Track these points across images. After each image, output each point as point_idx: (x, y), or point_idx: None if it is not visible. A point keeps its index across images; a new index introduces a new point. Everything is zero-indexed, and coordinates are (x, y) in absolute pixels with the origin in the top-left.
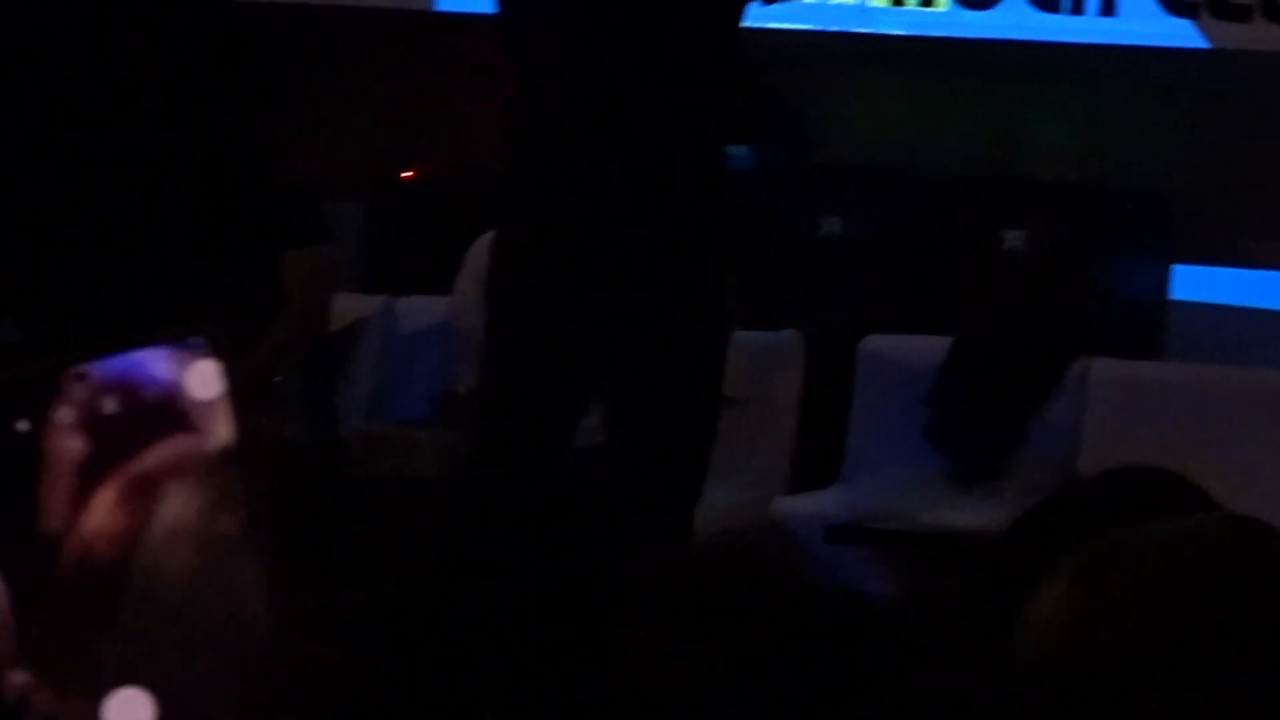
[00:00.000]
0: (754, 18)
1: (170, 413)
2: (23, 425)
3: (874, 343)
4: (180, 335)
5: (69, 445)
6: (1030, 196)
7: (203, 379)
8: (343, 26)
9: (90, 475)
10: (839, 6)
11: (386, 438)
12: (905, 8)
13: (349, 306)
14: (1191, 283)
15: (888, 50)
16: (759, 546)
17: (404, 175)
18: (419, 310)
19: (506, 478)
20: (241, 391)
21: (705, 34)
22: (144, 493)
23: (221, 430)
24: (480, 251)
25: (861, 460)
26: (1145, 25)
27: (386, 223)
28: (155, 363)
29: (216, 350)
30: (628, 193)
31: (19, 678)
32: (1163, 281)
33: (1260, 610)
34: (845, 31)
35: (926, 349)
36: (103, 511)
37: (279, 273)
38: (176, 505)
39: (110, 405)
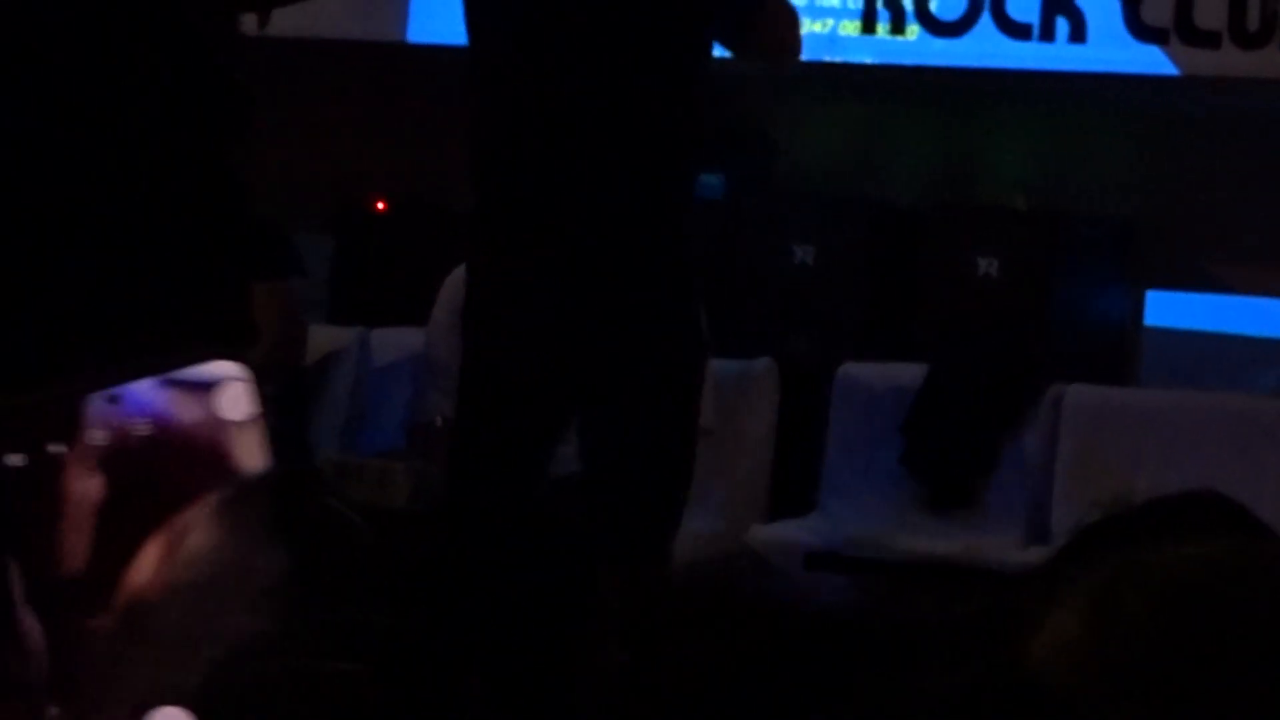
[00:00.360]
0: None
1: (201, 437)
2: (56, 448)
3: (848, 370)
4: (208, 356)
5: (94, 477)
6: (1001, 223)
7: (235, 402)
8: (314, 57)
9: (122, 506)
10: (809, 35)
11: (360, 468)
12: (875, 36)
13: (322, 338)
14: (1163, 308)
15: (858, 78)
16: (737, 574)
17: (375, 206)
18: (392, 342)
19: (480, 508)
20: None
21: (670, 60)
22: (178, 523)
23: (252, 453)
24: (455, 283)
25: (838, 487)
26: (1115, 52)
27: (358, 254)
28: (185, 387)
29: (245, 374)
30: (596, 218)
31: (52, 711)
32: (1134, 307)
33: (1273, 634)
34: (816, 60)
35: (900, 376)
36: (139, 543)
37: (250, 305)
38: (207, 530)
39: (140, 431)
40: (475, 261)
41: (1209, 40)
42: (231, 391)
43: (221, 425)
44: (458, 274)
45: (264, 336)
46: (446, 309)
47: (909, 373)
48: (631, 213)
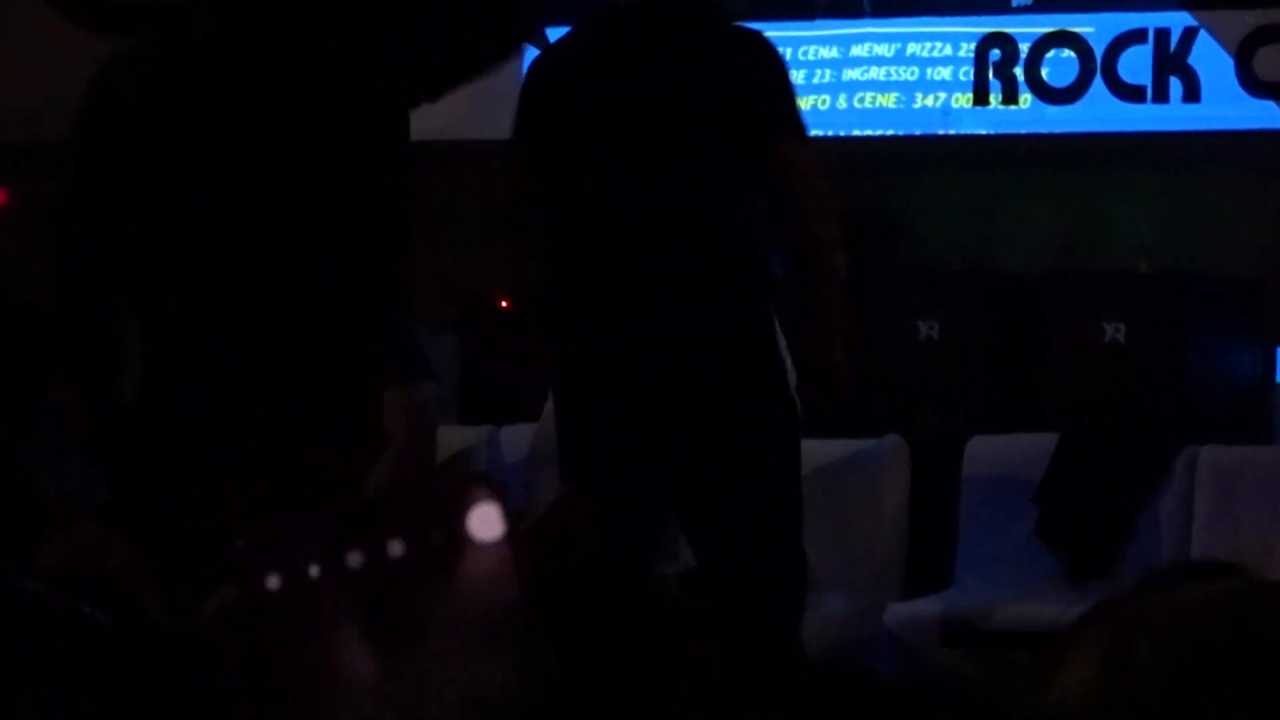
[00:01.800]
0: (842, 125)
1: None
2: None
3: (978, 443)
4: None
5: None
6: (1125, 288)
7: (485, 522)
8: (436, 157)
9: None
10: (923, 110)
11: None
12: (989, 107)
13: (453, 438)
14: None
15: (974, 149)
16: (872, 655)
17: (500, 304)
18: (523, 439)
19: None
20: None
21: (729, 159)
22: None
23: (503, 575)
24: None
25: (973, 562)
26: (1229, 109)
27: (485, 352)
28: (432, 505)
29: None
30: (671, 312)
31: None
32: (1265, 365)
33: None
34: (931, 134)
35: (1030, 447)
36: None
37: (382, 410)
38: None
39: (394, 551)
40: (560, 362)
41: None
42: (482, 511)
43: (472, 545)
44: None
45: (399, 441)
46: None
47: (1039, 443)
48: (703, 302)
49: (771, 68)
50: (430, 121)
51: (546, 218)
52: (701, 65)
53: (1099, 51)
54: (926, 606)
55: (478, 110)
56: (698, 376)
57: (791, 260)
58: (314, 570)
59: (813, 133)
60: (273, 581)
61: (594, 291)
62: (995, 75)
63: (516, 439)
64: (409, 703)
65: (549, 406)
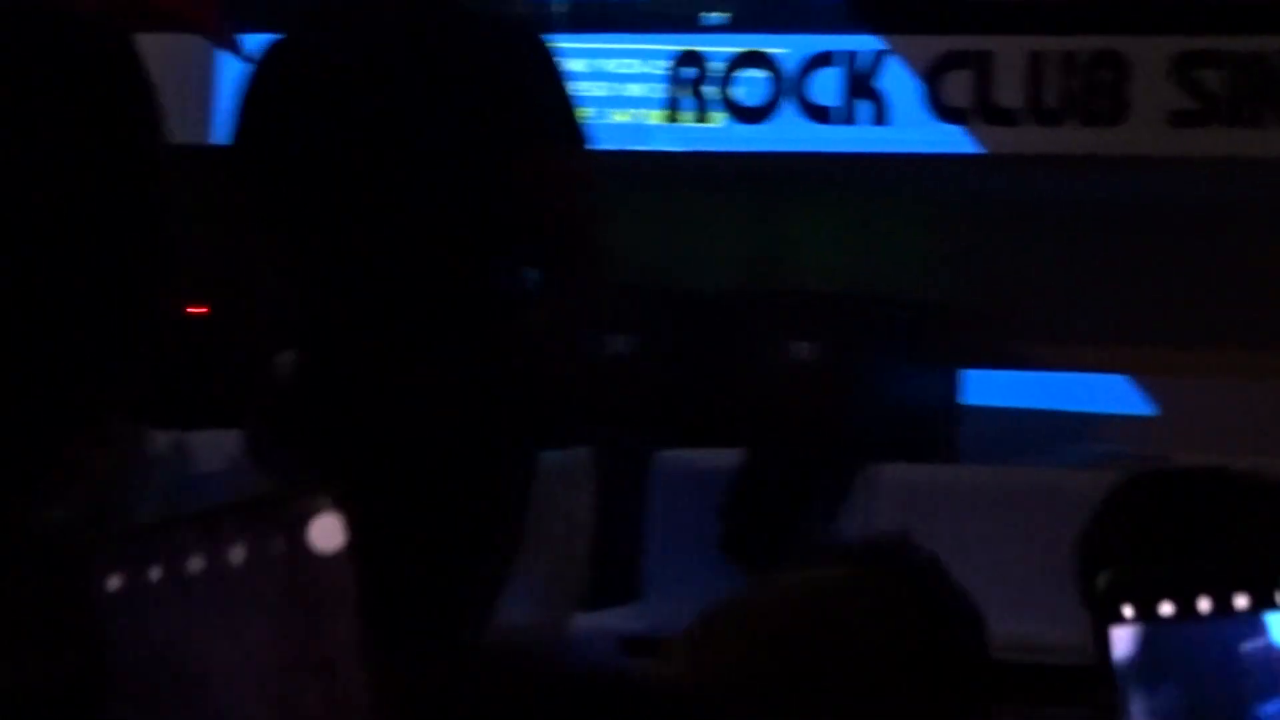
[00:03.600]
0: None
1: (291, 569)
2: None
3: (665, 458)
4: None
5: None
6: (814, 309)
7: (326, 533)
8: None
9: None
10: (615, 125)
11: None
12: (680, 124)
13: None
14: (980, 387)
15: (665, 167)
16: (553, 659)
17: (191, 310)
18: (213, 444)
19: None
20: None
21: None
22: None
23: (343, 588)
24: None
25: (658, 575)
26: (917, 133)
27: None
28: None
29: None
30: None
31: None
32: (950, 386)
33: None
34: (622, 150)
35: (717, 462)
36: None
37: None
38: None
39: (234, 560)
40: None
41: (1008, 118)
42: (323, 523)
43: (313, 558)
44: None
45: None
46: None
47: (725, 459)
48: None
49: (529, 64)
50: None
51: (276, 228)
52: (441, 60)
53: (790, 72)
54: (610, 618)
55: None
56: (424, 391)
57: (544, 274)
58: (154, 571)
59: None
60: (119, 577)
61: (328, 300)
62: (687, 93)
63: (204, 443)
64: (230, 713)
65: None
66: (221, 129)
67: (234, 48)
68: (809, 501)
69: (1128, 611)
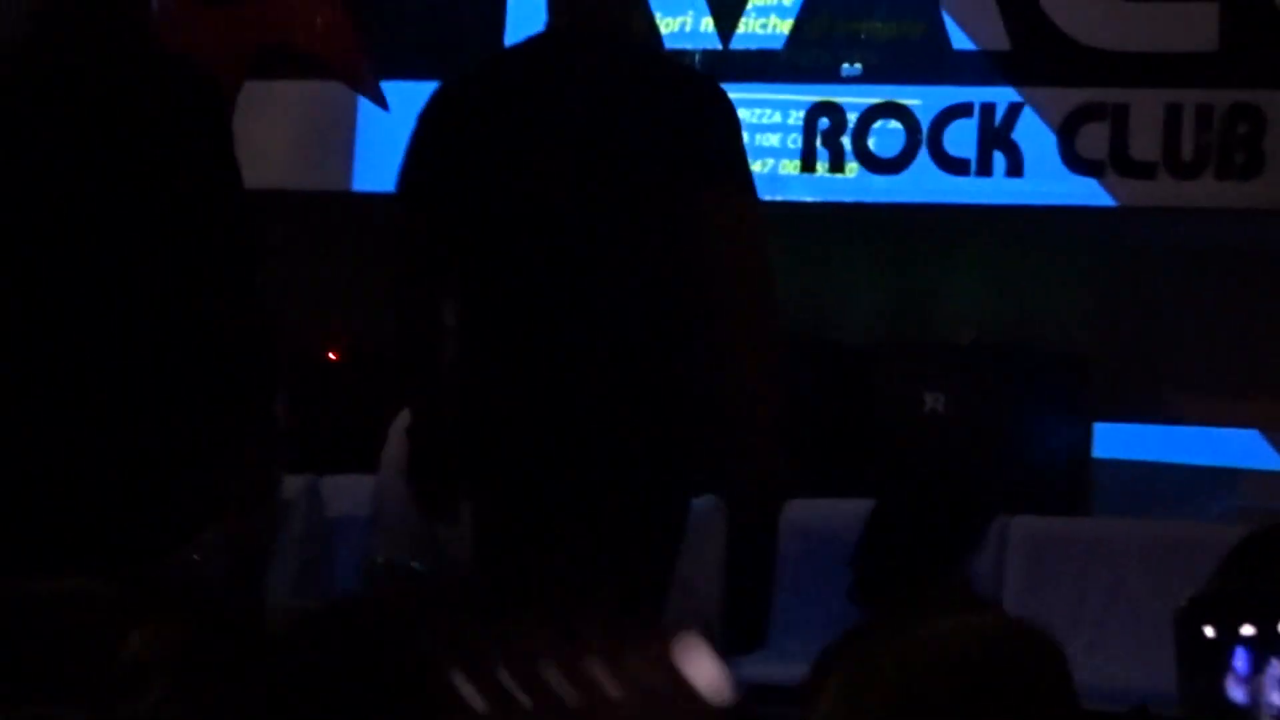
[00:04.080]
0: None
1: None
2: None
3: (796, 507)
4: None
5: None
6: (947, 359)
7: (704, 674)
8: (264, 208)
9: None
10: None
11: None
12: (815, 174)
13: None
14: (1114, 440)
15: (799, 217)
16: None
17: (329, 355)
18: (343, 488)
19: None
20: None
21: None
22: None
23: None
24: (400, 431)
25: (787, 624)
26: (1052, 185)
27: (310, 403)
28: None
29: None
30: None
31: None
32: (1084, 439)
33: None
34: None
35: (848, 512)
36: None
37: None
38: None
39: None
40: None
41: (1144, 171)
42: (703, 666)
43: (688, 697)
44: (401, 421)
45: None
46: (393, 457)
47: (856, 508)
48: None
49: (709, 114)
50: (255, 172)
51: (453, 269)
52: (624, 105)
53: (925, 124)
54: (740, 666)
55: (303, 161)
56: (600, 438)
57: (720, 332)
58: (502, 675)
59: None
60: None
61: (503, 343)
62: (823, 144)
63: (336, 488)
64: None
65: (388, 454)
66: (363, 176)
67: (377, 96)
68: (940, 552)
69: (1209, 632)
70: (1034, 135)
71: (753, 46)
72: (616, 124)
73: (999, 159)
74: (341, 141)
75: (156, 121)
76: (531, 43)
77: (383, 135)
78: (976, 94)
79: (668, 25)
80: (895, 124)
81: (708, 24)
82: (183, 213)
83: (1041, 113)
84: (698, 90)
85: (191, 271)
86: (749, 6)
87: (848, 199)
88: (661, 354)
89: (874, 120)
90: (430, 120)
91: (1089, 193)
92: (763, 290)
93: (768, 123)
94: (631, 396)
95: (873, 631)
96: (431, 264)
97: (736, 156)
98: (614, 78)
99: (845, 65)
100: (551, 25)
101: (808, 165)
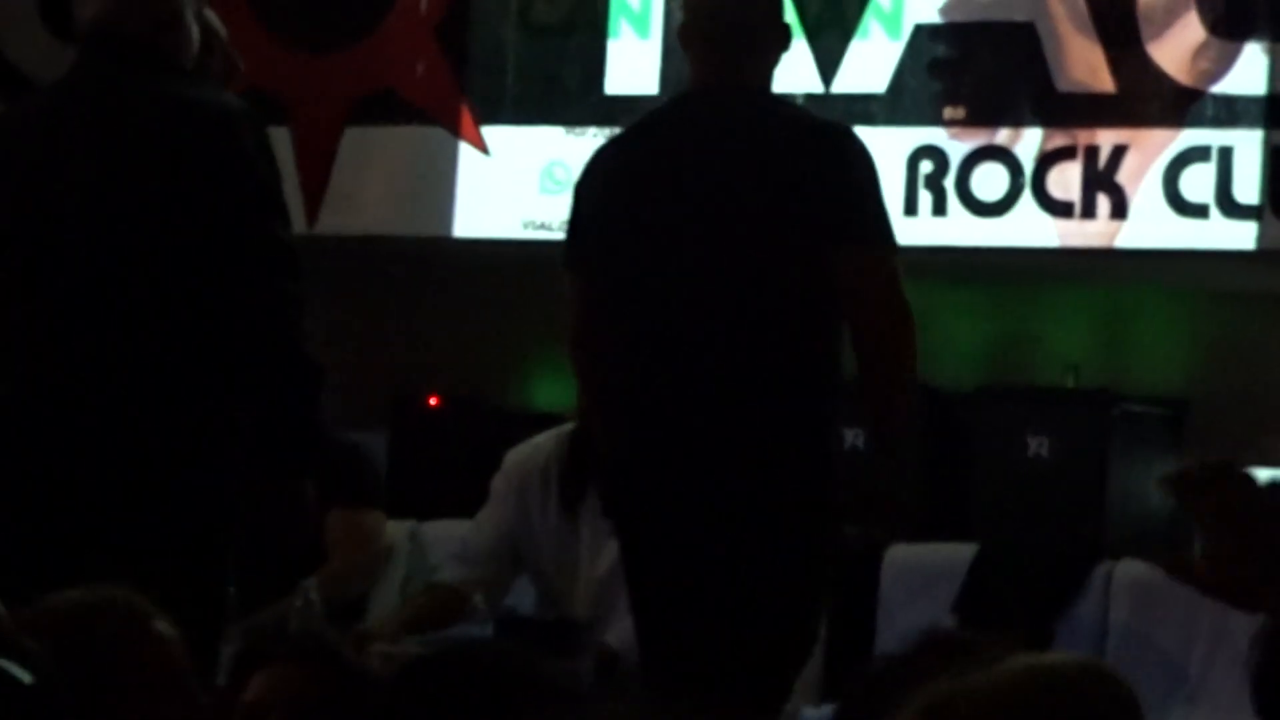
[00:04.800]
0: None
1: None
2: None
3: (898, 552)
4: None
5: None
6: (1050, 403)
7: None
8: (364, 255)
9: None
10: None
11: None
12: (917, 218)
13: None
14: None
15: (902, 262)
16: None
17: (429, 402)
18: (444, 534)
19: None
20: None
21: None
22: None
23: None
24: (523, 457)
25: None
26: (1157, 228)
27: (411, 449)
28: None
29: None
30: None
31: None
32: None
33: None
34: None
35: (950, 557)
36: None
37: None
38: None
39: None
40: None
41: (1249, 213)
42: None
43: None
44: (519, 452)
45: (334, 560)
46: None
47: (959, 553)
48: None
49: (848, 166)
50: (356, 218)
51: (601, 323)
52: (764, 160)
53: (1028, 166)
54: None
55: (404, 207)
56: (742, 489)
57: (860, 379)
58: None
59: None
60: None
61: (645, 395)
62: (925, 187)
63: (438, 534)
64: None
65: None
66: (464, 222)
67: (478, 141)
68: (1042, 597)
69: None
70: (1138, 177)
71: (855, 90)
72: (761, 181)
73: (1102, 201)
74: (443, 187)
75: (173, 157)
76: (677, 103)
77: (484, 181)
78: (1080, 135)
79: None
80: (998, 166)
81: (809, 66)
82: (203, 248)
83: (1145, 154)
84: (837, 143)
85: (219, 295)
86: (850, 49)
87: (951, 243)
88: (805, 406)
89: (977, 163)
90: (584, 187)
91: (1193, 236)
92: (902, 344)
93: None
94: (777, 450)
95: (919, 667)
96: (591, 327)
97: (877, 207)
98: (758, 134)
99: (947, 108)
100: (697, 82)
101: (910, 209)
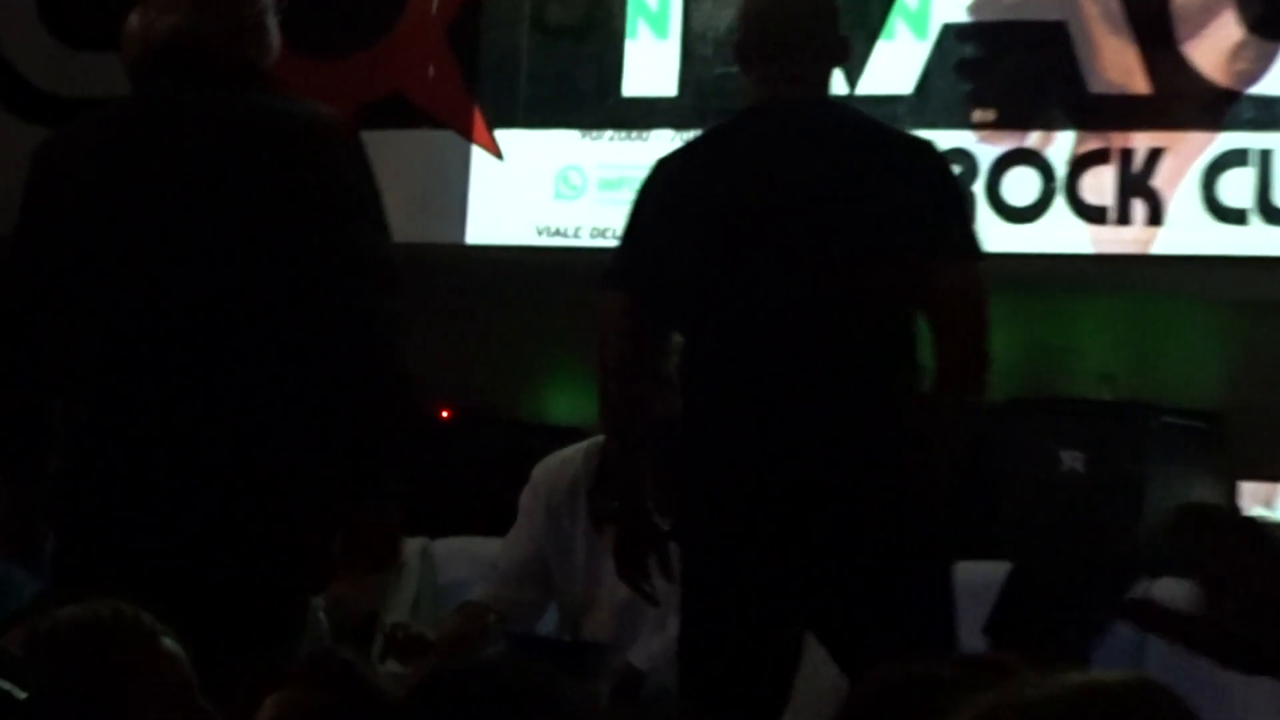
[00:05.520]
0: None
1: None
2: None
3: None
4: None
5: None
6: (1084, 416)
7: None
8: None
9: None
10: None
11: None
12: None
13: None
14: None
15: None
16: None
17: (442, 414)
18: (456, 551)
19: None
20: None
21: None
22: None
23: None
24: (551, 471)
25: None
26: (1193, 234)
27: (421, 462)
28: None
29: None
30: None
31: None
32: (1227, 497)
33: None
34: None
35: (983, 575)
36: None
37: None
38: None
39: None
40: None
41: None
42: None
43: None
44: (542, 472)
45: (344, 577)
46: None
47: (991, 572)
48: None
49: (933, 177)
50: None
51: (677, 334)
52: (847, 173)
53: (1060, 170)
54: None
55: (415, 213)
56: (834, 500)
57: (936, 386)
58: None
59: None
60: None
61: (726, 404)
62: None
63: (449, 551)
64: None
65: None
66: (476, 227)
67: (490, 146)
68: (1078, 616)
69: None
70: (1174, 181)
71: (881, 91)
72: (836, 194)
73: (1138, 207)
74: (455, 193)
75: (264, 172)
76: (751, 115)
77: (497, 186)
78: (1113, 139)
79: None
80: (1030, 170)
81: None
82: (297, 255)
83: (1182, 158)
84: (928, 155)
85: (317, 313)
86: (876, 49)
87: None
88: (883, 412)
89: (1008, 167)
90: (643, 199)
91: (1232, 242)
92: (987, 358)
93: None
94: (884, 470)
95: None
96: (652, 348)
97: (968, 217)
98: (846, 146)
99: (977, 111)
100: (766, 96)
101: None
